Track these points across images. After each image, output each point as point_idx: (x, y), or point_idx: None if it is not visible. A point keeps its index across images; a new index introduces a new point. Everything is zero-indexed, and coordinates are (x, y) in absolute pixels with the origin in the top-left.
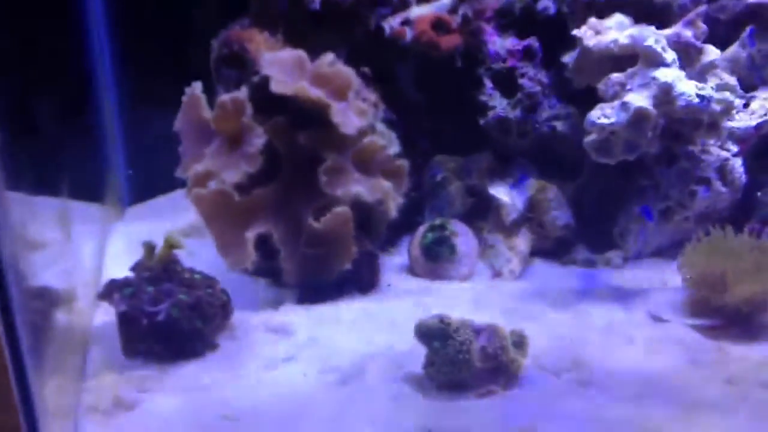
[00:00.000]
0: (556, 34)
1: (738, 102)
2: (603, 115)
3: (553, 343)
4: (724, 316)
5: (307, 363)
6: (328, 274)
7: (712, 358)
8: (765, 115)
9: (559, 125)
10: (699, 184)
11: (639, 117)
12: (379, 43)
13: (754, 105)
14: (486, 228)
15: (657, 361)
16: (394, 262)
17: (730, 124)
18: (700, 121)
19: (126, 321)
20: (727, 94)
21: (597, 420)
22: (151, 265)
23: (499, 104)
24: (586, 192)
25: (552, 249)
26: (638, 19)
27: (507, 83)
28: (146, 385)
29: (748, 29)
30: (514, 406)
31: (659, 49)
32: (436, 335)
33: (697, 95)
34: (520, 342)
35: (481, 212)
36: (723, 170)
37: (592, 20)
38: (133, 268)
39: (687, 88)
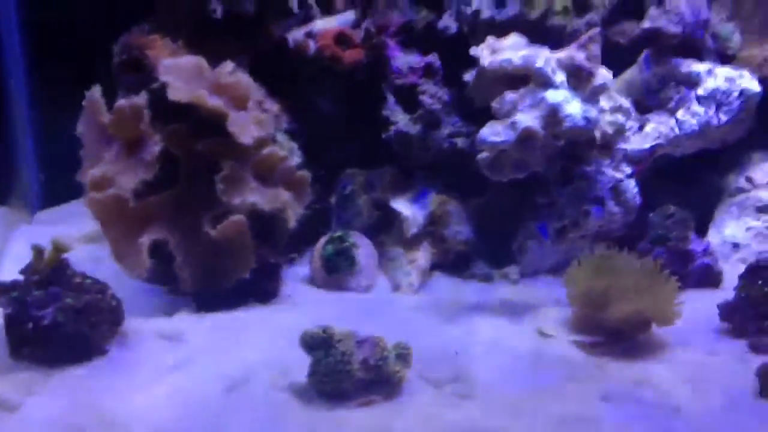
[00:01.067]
0: (458, 52)
1: (632, 124)
2: (493, 133)
3: (440, 356)
4: (606, 334)
5: (196, 371)
6: (226, 282)
7: (590, 374)
8: (658, 137)
9: (460, 142)
10: (593, 204)
11: (526, 136)
12: (283, 55)
13: (648, 128)
14: (388, 241)
15: (537, 375)
16: (298, 272)
17: (625, 146)
18: (593, 141)
19: (11, 324)
20: (619, 116)
21: (473, 427)
22: (40, 268)
23: (400, 119)
24: (487, 208)
25: (452, 263)
26: (534, 40)
27: (409, 99)
28: (30, 389)
29: (644, 53)
30: (392, 417)
31: (549, 71)
32: (319, 345)
33: (583, 117)
34: (403, 354)
35: (385, 225)
36: (616, 191)
37: (490, 40)
38: (23, 272)
39: (573, 109)
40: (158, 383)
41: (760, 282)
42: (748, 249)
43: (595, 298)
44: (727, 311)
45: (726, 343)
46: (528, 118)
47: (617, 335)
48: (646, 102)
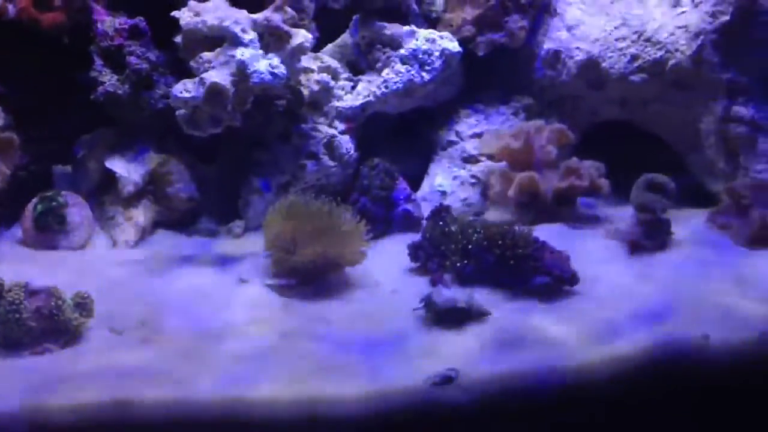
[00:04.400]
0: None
1: (344, 83)
2: (184, 89)
3: (131, 304)
4: (298, 276)
5: None
6: None
7: (275, 314)
8: (368, 96)
9: None
10: (308, 159)
11: (214, 92)
12: None
13: (360, 87)
14: (108, 201)
15: (223, 318)
16: (15, 234)
17: (338, 104)
18: (302, 99)
19: None
20: (325, 76)
21: (142, 369)
22: None
23: (108, 80)
24: (213, 166)
25: (179, 220)
26: (238, 3)
27: (116, 61)
28: None
29: (354, 18)
30: (65, 362)
31: (238, 31)
32: None
33: (270, 73)
34: (83, 303)
35: (107, 186)
36: (330, 146)
37: (192, 2)
38: None
39: (261, 66)
40: None
41: (440, 223)
42: (455, 196)
43: (286, 243)
44: (414, 251)
45: (411, 281)
46: (216, 75)
47: (308, 277)
48: (359, 64)
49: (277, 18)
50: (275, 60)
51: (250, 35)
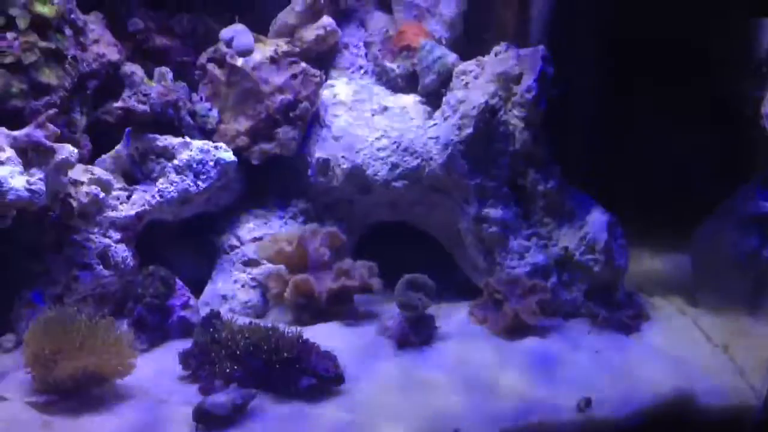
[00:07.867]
0: None
1: (118, 194)
2: None
3: None
4: (60, 392)
5: None
6: None
7: None
8: (144, 205)
9: None
10: (82, 270)
11: None
12: None
13: (136, 196)
14: None
15: None
16: None
17: (112, 213)
18: (72, 210)
19: None
20: (94, 188)
21: None
22: None
23: None
24: None
25: None
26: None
27: None
28: None
29: (126, 130)
30: None
31: None
32: None
33: (27, 190)
34: None
35: None
36: (105, 256)
37: None
38: None
39: (17, 183)
40: None
41: (211, 330)
42: (237, 299)
43: (45, 358)
44: (184, 359)
45: (181, 389)
46: None
47: (71, 392)
48: (134, 173)
49: (39, 134)
50: (34, 177)
51: (8, 153)
